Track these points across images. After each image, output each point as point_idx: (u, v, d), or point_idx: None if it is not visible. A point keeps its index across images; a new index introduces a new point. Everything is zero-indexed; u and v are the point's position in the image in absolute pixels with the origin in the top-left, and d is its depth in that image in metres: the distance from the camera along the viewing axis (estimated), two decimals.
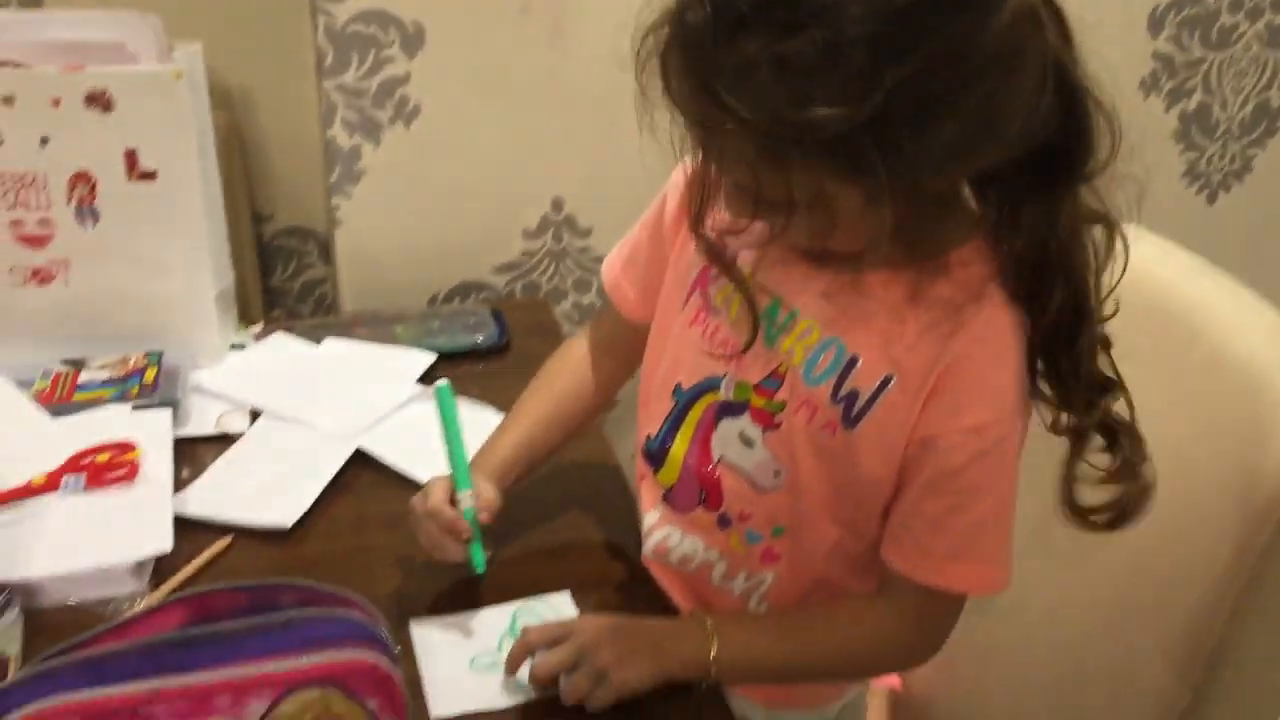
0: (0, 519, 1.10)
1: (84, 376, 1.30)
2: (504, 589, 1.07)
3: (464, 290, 1.68)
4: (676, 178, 1.04)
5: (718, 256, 0.96)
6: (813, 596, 1.03)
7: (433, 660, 1.00)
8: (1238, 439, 0.94)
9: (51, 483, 1.14)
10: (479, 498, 1.04)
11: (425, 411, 1.30)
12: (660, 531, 1.07)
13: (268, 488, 1.19)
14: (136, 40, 1.23)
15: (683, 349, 1.03)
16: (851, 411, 0.92)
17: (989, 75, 0.76)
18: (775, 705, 1.13)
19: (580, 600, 1.08)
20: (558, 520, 1.19)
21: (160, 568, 1.09)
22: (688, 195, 0.98)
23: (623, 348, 1.15)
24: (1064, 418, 0.89)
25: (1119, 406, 0.89)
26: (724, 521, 1.02)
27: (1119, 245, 0.86)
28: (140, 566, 1.07)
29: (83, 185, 1.27)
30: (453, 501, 1.04)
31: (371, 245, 1.61)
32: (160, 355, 1.33)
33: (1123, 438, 0.89)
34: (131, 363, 1.32)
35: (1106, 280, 0.87)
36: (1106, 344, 0.89)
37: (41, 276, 1.31)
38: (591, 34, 1.52)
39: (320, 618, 0.83)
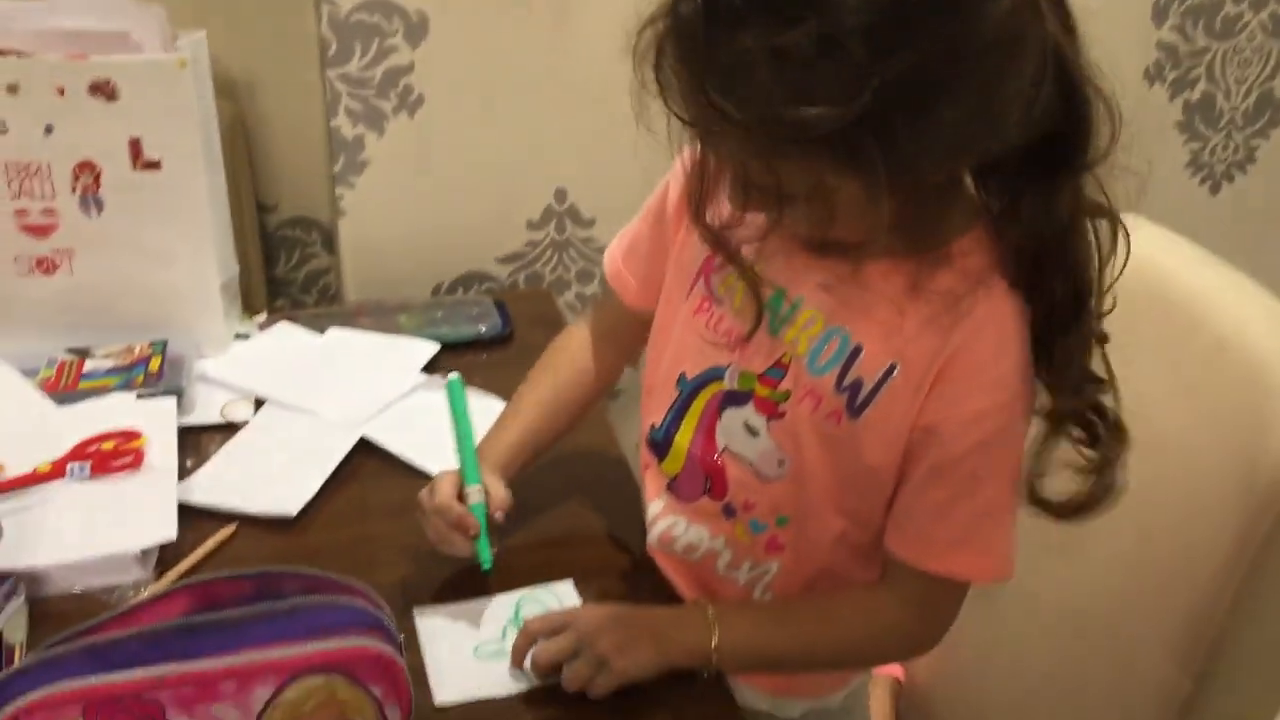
0: (5, 507, 1.10)
1: (89, 365, 1.31)
2: (508, 578, 1.07)
3: (467, 281, 1.68)
4: (678, 167, 1.04)
5: (721, 245, 0.96)
6: (817, 586, 1.03)
7: (436, 648, 1.01)
8: (1239, 428, 0.94)
9: (57, 471, 1.14)
10: (492, 496, 1.04)
11: (429, 401, 1.31)
12: (665, 521, 1.07)
13: (272, 476, 1.19)
14: (141, 29, 1.23)
15: (686, 338, 1.03)
16: (856, 401, 0.93)
17: (988, 64, 0.76)
18: (780, 694, 1.13)
19: (584, 589, 1.08)
20: (562, 509, 1.19)
21: (165, 556, 1.09)
22: (688, 187, 0.98)
23: (624, 335, 1.15)
24: (1048, 403, 0.89)
25: (1106, 401, 0.89)
26: (728, 511, 1.03)
27: (1112, 237, 0.86)
28: (145, 555, 1.08)
29: (87, 174, 1.27)
30: (461, 497, 1.04)
31: (375, 235, 1.61)
32: (165, 344, 1.34)
33: (1103, 432, 0.89)
34: (136, 352, 1.32)
35: (1109, 274, 0.87)
36: (1103, 338, 0.89)
37: (46, 266, 1.31)
38: (595, 24, 1.51)
39: (325, 605, 0.84)
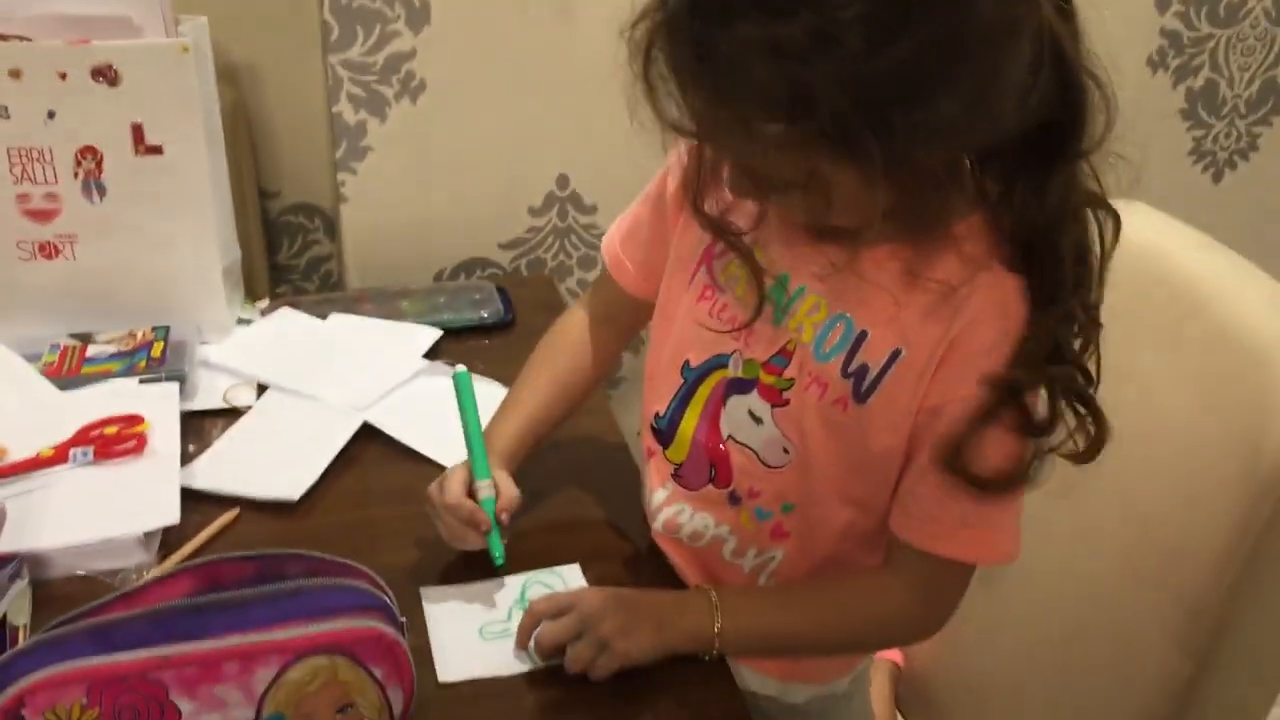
0: (9, 491, 1.10)
1: (91, 350, 1.31)
2: (514, 561, 1.07)
3: (469, 267, 1.68)
4: (675, 156, 1.04)
5: (722, 231, 0.96)
6: (823, 572, 1.03)
7: (442, 627, 1.01)
8: (1240, 412, 0.94)
9: (60, 455, 1.15)
10: (501, 494, 1.05)
11: (431, 386, 1.31)
12: (670, 508, 1.07)
13: (275, 461, 1.20)
14: (142, 14, 1.23)
15: (689, 326, 1.03)
16: (862, 386, 0.93)
17: (983, 52, 0.76)
18: (787, 679, 1.13)
19: (588, 574, 1.08)
20: (566, 494, 1.19)
21: (168, 540, 1.09)
22: (686, 176, 0.98)
23: (622, 319, 1.15)
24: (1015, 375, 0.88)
25: (1077, 387, 0.88)
26: (734, 498, 1.03)
27: (1114, 228, 0.86)
28: (148, 538, 1.08)
29: (89, 159, 1.27)
30: (470, 493, 1.04)
31: (377, 221, 1.61)
32: (167, 330, 1.34)
33: (1069, 420, 0.88)
34: (139, 337, 1.33)
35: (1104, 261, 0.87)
36: (1096, 324, 0.88)
37: (48, 251, 1.31)
38: (597, 10, 1.50)
39: (327, 587, 0.84)
